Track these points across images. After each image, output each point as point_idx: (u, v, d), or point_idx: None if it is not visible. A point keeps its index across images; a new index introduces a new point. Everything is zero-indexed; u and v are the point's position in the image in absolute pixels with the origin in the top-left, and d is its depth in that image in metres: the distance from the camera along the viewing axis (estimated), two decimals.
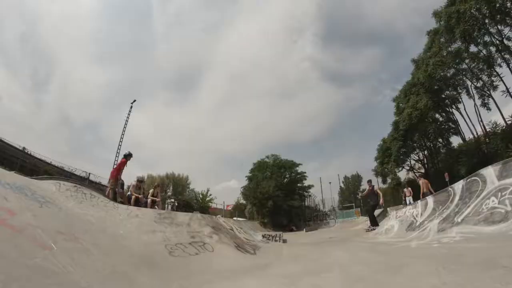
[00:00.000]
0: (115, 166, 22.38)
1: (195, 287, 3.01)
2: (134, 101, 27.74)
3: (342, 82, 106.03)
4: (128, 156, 9.18)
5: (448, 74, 27.30)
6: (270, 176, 35.39)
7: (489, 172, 4.92)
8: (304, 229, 23.69)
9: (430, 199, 6.94)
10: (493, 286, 1.88)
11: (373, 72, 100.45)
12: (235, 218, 32.87)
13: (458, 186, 5.87)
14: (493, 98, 25.68)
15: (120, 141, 24.33)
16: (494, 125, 25.34)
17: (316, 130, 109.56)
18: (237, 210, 38.55)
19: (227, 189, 75.91)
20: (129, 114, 26.17)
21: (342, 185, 53.03)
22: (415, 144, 33.93)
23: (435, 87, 27.91)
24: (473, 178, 5.42)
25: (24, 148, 16.41)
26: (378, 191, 10.93)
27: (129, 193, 9.49)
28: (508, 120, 23.65)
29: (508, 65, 23.02)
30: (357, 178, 54.16)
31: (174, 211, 13.76)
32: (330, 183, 44.08)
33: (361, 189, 51.00)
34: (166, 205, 12.56)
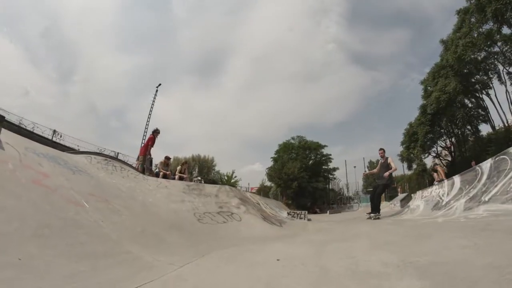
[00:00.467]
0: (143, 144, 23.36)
1: (224, 248, 2.98)
2: (160, 84, 28.18)
3: (368, 65, 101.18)
4: (155, 132, 9.34)
5: (479, 57, 25.47)
6: (295, 158, 35.16)
7: None
8: (328, 212, 23.47)
9: (457, 179, 6.59)
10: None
11: (400, 54, 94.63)
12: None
13: (486, 165, 5.51)
14: None
15: (146, 125, 24.99)
16: None
17: (341, 114, 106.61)
18: (262, 192, 38.93)
19: (251, 172, 76.75)
20: (154, 98, 26.66)
21: (367, 169, 51.80)
22: (442, 130, 32.36)
23: (465, 71, 26.20)
24: (502, 156, 5.06)
25: (54, 130, 17.31)
26: (392, 163, 7.49)
27: (156, 170, 9.71)
28: None
29: None
30: None
31: None
32: (355, 167, 43.25)
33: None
34: (193, 182, 12.79)
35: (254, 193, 41.37)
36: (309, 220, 12.43)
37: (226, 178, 42.65)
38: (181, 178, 9.96)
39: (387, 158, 7.68)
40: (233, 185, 41.57)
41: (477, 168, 5.83)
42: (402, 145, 34.04)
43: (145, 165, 8.46)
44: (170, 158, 10.59)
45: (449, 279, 1.27)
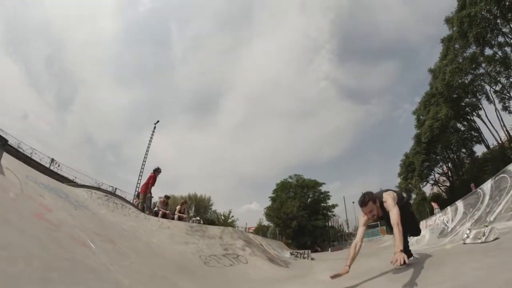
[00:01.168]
0: (139, 183, 22.86)
1: None
2: (158, 121, 28.23)
3: (360, 99, 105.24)
4: (156, 171, 9.20)
5: (466, 81, 26.67)
6: (293, 196, 34.64)
7: None
8: (329, 249, 22.56)
9: (459, 203, 6.66)
10: None
11: (390, 86, 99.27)
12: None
13: (487, 186, 5.62)
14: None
15: (143, 162, 24.66)
16: None
17: (337, 149, 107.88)
18: (260, 232, 37.64)
19: (248, 212, 75.02)
20: (152, 134, 26.62)
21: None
22: (438, 157, 33.03)
23: (454, 95, 27.32)
24: (501, 175, 5.16)
25: (52, 159, 16.94)
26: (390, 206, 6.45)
27: (155, 209, 9.35)
28: None
29: None
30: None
31: None
32: (353, 202, 42.50)
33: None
34: (191, 222, 12.31)
35: (252, 233, 40.04)
36: (312, 259, 11.83)
37: (223, 217, 41.42)
38: (180, 218, 9.56)
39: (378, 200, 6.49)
40: (231, 225, 40.28)
41: (479, 190, 5.95)
42: (400, 176, 34.25)
43: (145, 204, 8.12)
44: (169, 197, 10.26)
45: None
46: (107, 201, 5.32)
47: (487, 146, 28.65)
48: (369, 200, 2.84)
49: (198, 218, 15.06)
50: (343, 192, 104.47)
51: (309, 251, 13.42)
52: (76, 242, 2.30)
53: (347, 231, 38.49)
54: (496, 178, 5.25)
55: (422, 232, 8.00)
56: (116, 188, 24.40)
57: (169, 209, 9.66)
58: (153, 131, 26.32)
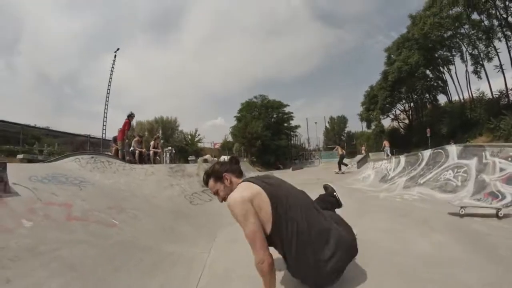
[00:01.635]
0: (106, 114, 22.45)
1: (221, 227, 3.82)
2: (118, 49, 25.64)
3: (333, 22, 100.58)
4: (131, 117, 9.45)
5: (445, 35, 26.50)
6: (258, 116, 36.04)
7: (453, 149, 5.71)
8: (291, 168, 25.32)
9: (403, 158, 7.86)
10: (417, 232, 2.89)
11: (368, 15, 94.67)
12: (224, 157, 34.38)
13: (427, 153, 6.67)
14: (485, 69, 25.39)
15: (107, 93, 23.59)
16: (481, 95, 25.56)
17: (304, 69, 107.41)
18: (226, 148, 39.99)
19: (214, 127, 76.83)
20: (114, 63, 24.70)
21: (327, 125, 54.48)
22: (402, 95, 34.41)
23: (429, 45, 27.38)
24: (439, 150, 6.21)
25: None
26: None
27: (132, 148, 9.94)
28: (495, 94, 23.88)
29: (507, 42, 22.42)
30: (342, 120, 55.37)
31: (173, 158, 14.55)
32: (316, 123, 45.64)
33: (346, 131, 53.15)
34: (165, 154, 13.24)
35: (219, 149, 42.25)
36: None
37: (189, 137, 42.55)
38: (155, 153, 10.40)
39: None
40: (197, 143, 41.90)
41: (419, 154, 7.06)
42: (362, 106, 36.54)
43: (124, 150, 8.69)
44: (143, 136, 10.88)
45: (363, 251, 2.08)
46: (95, 163, 5.90)
47: (449, 100, 30.45)
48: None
49: (170, 147, 16.02)
50: (306, 111, 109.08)
51: (272, 173, 15.42)
52: (107, 226, 3.14)
53: (308, 148, 42.24)
54: (435, 150, 6.34)
55: (369, 172, 9.69)
56: (89, 135, 23.86)
57: (143, 147, 10.34)
58: (114, 60, 24.37)
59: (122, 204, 3.96)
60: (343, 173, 13.60)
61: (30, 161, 12.23)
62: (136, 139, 10.08)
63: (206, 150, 36.93)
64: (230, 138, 40.95)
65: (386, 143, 20.96)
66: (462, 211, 3.48)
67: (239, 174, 1.90)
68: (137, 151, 9.61)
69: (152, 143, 10.90)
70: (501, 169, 4.29)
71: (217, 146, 43.62)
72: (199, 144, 42.15)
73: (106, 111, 22.16)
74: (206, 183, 1.90)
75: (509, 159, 4.28)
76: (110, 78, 23.63)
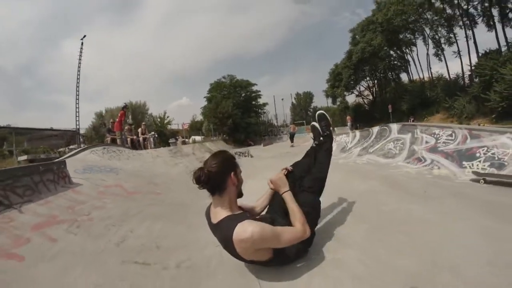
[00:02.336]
0: (77, 105, 22.06)
1: None
2: (84, 36, 24.60)
3: None
4: (125, 108, 10.25)
5: (409, 19, 27.99)
6: (227, 96, 36.86)
7: (394, 127, 7.43)
8: (262, 144, 26.95)
9: (358, 133, 9.58)
10: (359, 180, 4.51)
11: None
12: (194, 137, 35.21)
13: (375, 129, 8.39)
14: (443, 54, 27.64)
15: (77, 84, 23.03)
16: (440, 76, 28.35)
17: (268, 45, 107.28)
18: (195, 128, 40.67)
19: (180, 107, 75.89)
20: (81, 53, 23.80)
21: (294, 101, 56.36)
22: (365, 73, 36.46)
23: (392, 29, 28.87)
24: (384, 127, 7.96)
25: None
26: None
27: (123, 136, 10.75)
28: (453, 77, 26.63)
29: (465, 31, 24.45)
30: (308, 95, 57.48)
31: (155, 142, 15.42)
32: (282, 99, 47.42)
33: (312, 106, 55.50)
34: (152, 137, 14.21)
35: (187, 129, 42.70)
36: (251, 156, 15.32)
37: (159, 119, 42.34)
38: (144, 139, 11.35)
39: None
40: (167, 125, 41.93)
41: (370, 130, 8.81)
42: (327, 83, 38.54)
43: (123, 138, 9.58)
44: (133, 124, 11.69)
45: (343, 193, 3.57)
46: (108, 153, 6.88)
47: (411, 80, 32.91)
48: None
49: (153, 133, 16.76)
50: (273, 86, 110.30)
51: (248, 149, 16.94)
52: (156, 194, 4.42)
53: (276, 124, 44.20)
54: (382, 127, 8.06)
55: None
56: (78, 128, 23.18)
57: (133, 134, 11.22)
58: (81, 48, 23.54)
59: (153, 180, 5.21)
60: (292, 146, 18.18)
61: (32, 161, 12.59)
62: (127, 127, 10.92)
63: (175, 131, 37.34)
64: (198, 118, 41.52)
65: (349, 118, 24.48)
66: (482, 182, 3.78)
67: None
68: (128, 139, 10.51)
69: (139, 130, 11.77)
70: (426, 142, 5.87)
71: (185, 127, 43.82)
72: (169, 126, 42.24)
73: (77, 103, 21.93)
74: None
75: (432, 135, 5.86)
76: (78, 68, 23.07)
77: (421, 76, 32.03)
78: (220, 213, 1.69)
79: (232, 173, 1.73)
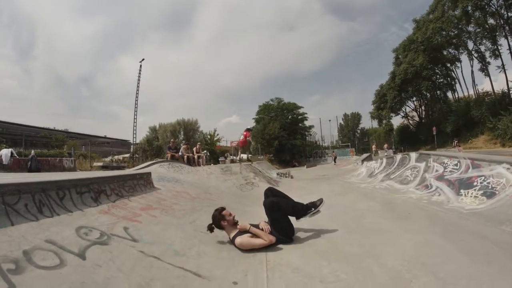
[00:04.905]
0: (135, 118, 25.58)
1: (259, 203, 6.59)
2: (143, 59, 29.39)
3: (346, 15, 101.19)
4: (249, 130, 12.62)
5: (452, 34, 27.27)
6: (275, 118, 38.76)
7: (413, 155, 7.93)
8: (305, 166, 27.90)
9: (384, 160, 10.12)
10: (363, 201, 5.45)
11: (380, 7, 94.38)
12: (242, 155, 37.17)
13: (398, 157, 8.94)
14: (487, 68, 26.43)
15: (136, 101, 27.02)
16: (486, 93, 27.02)
17: (316, 64, 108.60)
18: (243, 147, 42.76)
19: (229, 125, 79.53)
20: (140, 74, 28.10)
21: (342, 122, 56.21)
22: (409, 95, 36.02)
23: (434, 46, 28.18)
24: (405, 155, 8.48)
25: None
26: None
27: (180, 153, 12.82)
28: (497, 93, 25.19)
29: (508, 42, 23.43)
30: (356, 116, 57.04)
31: (208, 159, 17.53)
32: (329, 120, 48.11)
33: (360, 127, 54.62)
34: (205, 154, 16.14)
35: (235, 146, 45.08)
36: (292, 177, 16.48)
37: (209, 137, 45.51)
38: (198, 157, 13.31)
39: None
40: (216, 143, 44.90)
41: (395, 157, 9.38)
42: (373, 104, 38.36)
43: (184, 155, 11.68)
44: (189, 143, 13.86)
45: (342, 210, 4.75)
46: (172, 168, 8.81)
47: (456, 99, 31.79)
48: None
49: (205, 151, 19.01)
50: (320, 106, 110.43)
51: (290, 171, 18.19)
52: (211, 200, 5.96)
53: (322, 145, 44.62)
54: (403, 155, 8.60)
55: (363, 169, 12.17)
56: (135, 141, 27.00)
57: (189, 152, 13.28)
58: (140, 70, 27.71)
59: (208, 191, 6.82)
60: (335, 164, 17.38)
61: (105, 167, 15.55)
62: (184, 146, 13.03)
63: (223, 149, 39.92)
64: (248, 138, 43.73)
65: (385, 146, 25.27)
66: None
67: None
68: (185, 156, 12.54)
69: (194, 148, 13.82)
70: (436, 170, 6.21)
71: (233, 144, 46.25)
72: (218, 143, 45.16)
73: (135, 119, 25.38)
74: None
75: (442, 164, 6.20)
76: (137, 87, 26.85)
77: (466, 94, 30.78)
78: (231, 234, 3.24)
79: (222, 221, 3.28)
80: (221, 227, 3.30)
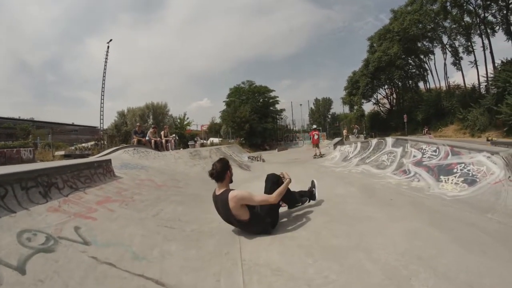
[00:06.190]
0: (102, 103, 23.89)
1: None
2: (111, 40, 27.10)
3: (322, 2, 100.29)
4: (155, 127, 12.20)
5: (428, 27, 28.09)
6: (246, 101, 38.23)
7: (389, 140, 7.95)
8: (277, 149, 28.00)
9: (359, 144, 10.13)
10: (341, 186, 5.45)
11: None
12: (212, 139, 36.60)
13: (374, 141, 8.92)
14: (460, 63, 27.66)
15: (103, 85, 25.18)
16: (457, 86, 28.37)
17: (290, 49, 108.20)
18: (213, 130, 42.21)
19: (199, 108, 77.77)
20: (107, 55, 26.03)
21: (313, 107, 56.92)
22: (382, 82, 36.86)
23: (410, 38, 29.02)
24: (381, 140, 8.46)
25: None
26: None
27: (147, 138, 12.09)
28: (468, 86, 26.65)
29: (482, 40, 24.45)
30: (327, 101, 57.97)
31: (177, 144, 16.84)
32: (301, 105, 48.25)
33: (331, 112, 55.79)
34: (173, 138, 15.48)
35: (205, 130, 44.38)
36: (263, 161, 16.37)
37: (179, 121, 44.14)
38: (166, 141, 12.68)
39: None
40: (186, 127, 43.73)
41: (370, 141, 9.37)
42: (345, 90, 39.10)
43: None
44: (156, 127, 13.11)
45: (321, 196, 4.48)
46: (138, 153, 8.20)
47: (428, 89, 33.00)
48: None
49: (174, 135, 18.23)
50: (292, 90, 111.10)
51: (261, 154, 18.03)
52: (178, 188, 5.58)
53: (293, 130, 45.01)
54: (379, 140, 8.58)
55: (336, 153, 12.22)
56: (102, 127, 25.29)
57: (157, 136, 12.57)
58: (107, 51, 25.68)
59: (176, 177, 6.41)
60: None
61: (67, 156, 14.37)
62: (151, 130, 12.30)
63: (194, 133, 39.05)
64: (216, 120, 43.11)
65: (355, 126, 25.88)
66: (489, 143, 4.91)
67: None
68: (152, 140, 11.86)
69: (162, 132, 13.12)
70: (414, 156, 6.19)
71: (204, 128, 45.44)
72: (188, 127, 44.01)
73: (102, 103, 23.91)
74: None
75: (420, 149, 6.19)
76: (104, 70, 25.04)
77: (437, 85, 32.15)
78: (221, 189, 3.03)
79: (228, 171, 3.10)
80: (221, 177, 3.05)
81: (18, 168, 3.99)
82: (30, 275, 1.84)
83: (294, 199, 3.77)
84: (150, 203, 4.12)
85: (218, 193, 3.04)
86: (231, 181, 3.16)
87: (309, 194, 4.05)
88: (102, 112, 25.11)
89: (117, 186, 4.64)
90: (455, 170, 4.67)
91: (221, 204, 2.97)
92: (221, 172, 3.04)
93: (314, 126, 22.92)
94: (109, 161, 5.48)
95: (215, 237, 3.07)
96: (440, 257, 2.18)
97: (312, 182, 4.19)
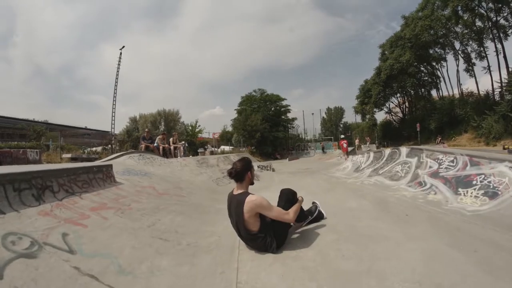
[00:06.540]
0: (114, 105, 24.30)
1: None
2: (123, 47, 27.58)
3: (334, 11, 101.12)
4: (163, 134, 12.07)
5: (439, 33, 27.61)
6: (257, 109, 38.18)
7: (403, 150, 7.57)
8: (288, 158, 27.60)
9: (371, 154, 9.74)
10: (353, 199, 5.04)
11: (369, 4, 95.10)
12: (223, 147, 36.50)
13: (387, 151, 8.54)
14: (473, 68, 26.88)
15: (115, 90, 25.54)
16: (470, 93, 27.46)
17: (302, 58, 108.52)
18: (225, 139, 42.20)
19: (212, 116, 78.30)
20: (119, 62, 26.50)
21: (325, 116, 56.43)
22: (394, 91, 36.17)
23: (422, 44, 28.45)
24: (395, 150, 8.09)
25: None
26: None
27: (155, 144, 12.05)
28: (482, 93, 25.61)
29: (495, 45, 23.78)
30: (339, 110, 57.44)
31: (186, 151, 16.75)
32: (312, 114, 47.92)
33: (343, 121, 55.22)
34: (183, 146, 15.42)
35: (217, 138, 44.42)
36: (273, 170, 16.06)
37: (190, 128, 44.53)
38: (175, 148, 12.59)
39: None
40: (198, 134, 43.99)
41: (383, 151, 8.99)
42: (357, 99, 38.55)
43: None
44: (166, 134, 13.06)
45: (331, 210, 4.23)
46: (143, 159, 8.07)
47: (441, 96, 32.18)
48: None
49: (183, 142, 18.21)
50: (305, 100, 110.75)
51: (271, 163, 17.73)
52: (181, 196, 5.37)
53: (306, 138, 44.61)
54: (392, 150, 8.20)
55: (348, 163, 11.82)
56: (114, 132, 25.77)
57: (165, 143, 12.50)
58: (120, 58, 26.15)
59: (180, 185, 6.21)
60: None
61: (74, 159, 14.50)
62: (160, 136, 12.24)
63: (205, 140, 39.16)
64: (228, 128, 43.17)
65: (368, 138, 25.66)
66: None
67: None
68: (160, 147, 11.78)
69: (171, 139, 13.05)
70: (430, 167, 5.83)
71: (216, 136, 45.57)
72: (200, 135, 44.27)
73: (114, 109, 24.20)
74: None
75: (436, 160, 5.84)
76: (116, 76, 25.42)
77: (451, 93, 31.25)
78: (239, 190, 2.83)
79: (249, 171, 2.90)
80: (241, 178, 2.85)
81: (12, 168, 3.87)
82: (7, 280, 1.72)
83: (302, 215, 3.43)
84: (147, 212, 3.89)
85: (235, 193, 2.84)
86: (251, 183, 2.98)
87: (317, 215, 3.65)
88: (113, 117, 25.41)
89: (115, 193, 4.46)
90: (474, 182, 4.31)
91: (235, 205, 2.73)
92: (242, 171, 2.84)
93: (342, 136, 22.65)
94: (110, 166, 5.33)
95: (212, 252, 2.79)
96: (463, 285, 1.86)
97: (314, 203, 3.81)
